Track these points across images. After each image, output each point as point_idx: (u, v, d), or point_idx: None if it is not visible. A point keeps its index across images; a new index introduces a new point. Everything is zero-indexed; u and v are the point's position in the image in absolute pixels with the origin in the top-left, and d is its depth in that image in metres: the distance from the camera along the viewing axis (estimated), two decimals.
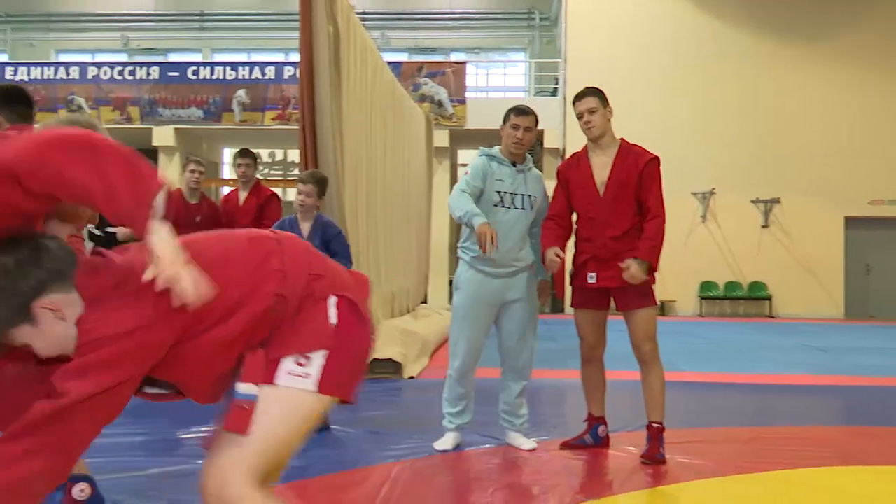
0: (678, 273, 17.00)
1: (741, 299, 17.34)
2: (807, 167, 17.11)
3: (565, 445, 4.41)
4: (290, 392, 1.84)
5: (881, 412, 6.02)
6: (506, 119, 4.39)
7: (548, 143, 17.84)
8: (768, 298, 17.21)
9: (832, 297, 17.08)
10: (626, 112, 16.79)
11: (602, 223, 4.20)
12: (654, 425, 4.11)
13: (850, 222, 17.25)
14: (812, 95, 17.25)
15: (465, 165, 21.85)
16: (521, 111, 4.38)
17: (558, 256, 4.14)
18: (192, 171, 6.64)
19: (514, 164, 4.40)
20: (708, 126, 17.24)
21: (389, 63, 18.74)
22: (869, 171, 17.10)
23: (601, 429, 4.39)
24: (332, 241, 5.10)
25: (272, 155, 21.66)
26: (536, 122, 4.43)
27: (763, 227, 17.30)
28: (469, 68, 19.04)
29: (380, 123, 10.42)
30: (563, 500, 3.47)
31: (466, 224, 4.18)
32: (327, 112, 7.31)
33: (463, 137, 18.31)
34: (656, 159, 4.25)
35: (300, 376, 1.84)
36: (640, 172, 4.18)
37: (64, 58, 21.86)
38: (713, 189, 17.12)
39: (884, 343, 11.67)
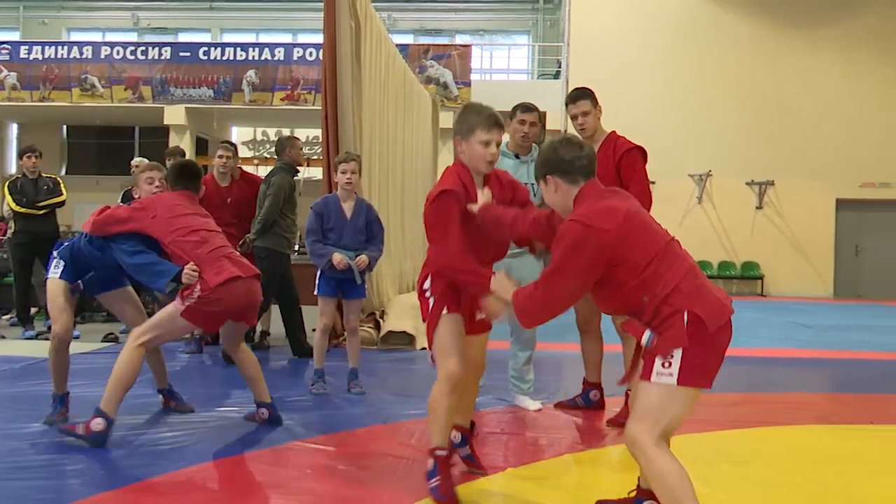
0: None
1: (734, 278, 17.93)
2: (800, 150, 17.63)
3: (559, 406, 5.05)
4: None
5: (858, 381, 6.61)
6: (512, 115, 4.91)
7: (550, 126, 18.29)
8: (761, 278, 17.80)
9: (822, 277, 17.67)
10: (626, 95, 17.47)
11: None
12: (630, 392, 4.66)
13: (842, 204, 17.80)
14: (807, 80, 17.73)
15: None
16: (527, 108, 4.92)
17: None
18: (221, 156, 7.08)
19: (517, 156, 4.93)
20: (706, 110, 17.73)
21: (396, 45, 19.22)
22: (860, 154, 17.63)
23: (593, 393, 4.98)
24: (372, 223, 5.51)
25: (279, 134, 22.09)
26: (540, 116, 4.95)
27: (757, 208, 17.87)
28: (474, 51, 19.48)
29: (392, 108, 10.92)
30: (569, 448, 4.07)
31: None
32: (349, 102, 7.84)
33: None
34: (635, 150, 4.66)
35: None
36: (616, 163, 4.62)
37: (75, 36, 22.29)
38: (710, 171, 17.65)
39: (868, 321, 12.26)
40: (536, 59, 21.18)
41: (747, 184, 17.83)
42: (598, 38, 17.94)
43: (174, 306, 4.08)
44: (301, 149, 7.12)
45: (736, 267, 17.93)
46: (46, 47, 18.52)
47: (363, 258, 5.37)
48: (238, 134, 22.28)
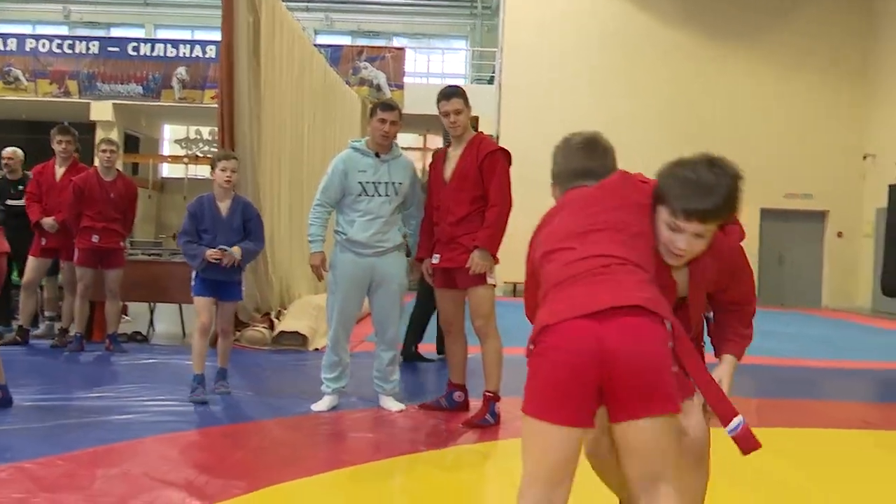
0: None
1: None
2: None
3: (422, 406, 4.99)
4: None
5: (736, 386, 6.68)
6: (373, 113, 4.86)
7: (483, 130, 18.35)
8: None
9: None
10: (555, 102, 17.56)
11: (444, 210, 4.70)
12: (487, 394, 4.65)
13: (766, 214, 18.10)
14: (734, 92, 18.01)
15: (403, 149, 22.09)
16: (387, 107, 4.87)
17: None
18: (105, 150, 6.94)
19: (377, 155, 4.88)
20: (635, 118, 17.90)
21: (330, 46, 19.12)
22: (785, 165, 17.95)
23: (457, 394, 4.94)
24: (250, 221, 5.33)
25: (213, 133, 21.81)
26: (401, 115, 4.91)
27: None
28: (409, 54, 19.45)
29: (309, 108, 10.82)
30: (403, 449, 4.03)
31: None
32: (245, 100, 7.73)
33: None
34: (498, 152, 4.68)
35: None
36: (479, 164, 4.62)
37: (3, 28, 21.72)
38: None
39: (779, 328, 12.46)
40: (471, 64, 21.22)
41: None
42: (532, 45, 18.02)
43: None
44: None
45: None
46: None
47: (236, 248, 5.17)
48: (170, 132, 21.95)
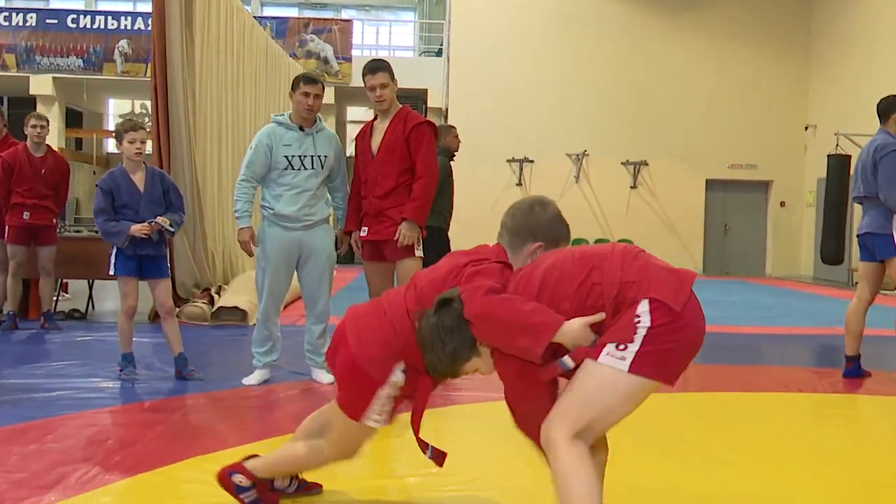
0: None
1: None
2: (672, 132, 18.12)
3: None
4: (606, 369, 2.20)
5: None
6: (295, 86, 4.83)
7: (431, 103, 18.33)
8: None
9: (692, 255, 18.26)
10: (503, 74, 17.56)
11: (372, 183, 4.73)
12: None
13: (711, 185, 18.41)
14: (678, 65, 18.19)
15: (353, 123, 21.79)
16: (310, 80, 4.86)
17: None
18: (34, 126, 6.82)
19: (301, 129, 4.87)
20: (583, 89, 18.01)
21: (276, 18, 18.83)
22: (729, 136, 18.25)
23: None
24: (169, 191, 5.10)
25: None
26: (323, 88, 4.91)
27: (631, 187, 18.30)
28: (356, 26, 19.30)
29: (250, 81, 10.70)
30: None
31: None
32: (178, 73, 7.63)
33: (349, 95, 18.61)
34: (424, 124, 4.71)
35: (618, 358, 2.18)
36: (406, 137, 4.65)
37: None
38: (586, 151, 17.97)
39: (721, 297, 12.74)
40: (420, 37, 21.10)
41: (622, 164, 18.23)
42: (480, 18, 17.97)
43: None
44: (457, 136, 7.17)
45: None
46: None
47: (164, 218, 4.95)
48: (115, 106, 21.55)
